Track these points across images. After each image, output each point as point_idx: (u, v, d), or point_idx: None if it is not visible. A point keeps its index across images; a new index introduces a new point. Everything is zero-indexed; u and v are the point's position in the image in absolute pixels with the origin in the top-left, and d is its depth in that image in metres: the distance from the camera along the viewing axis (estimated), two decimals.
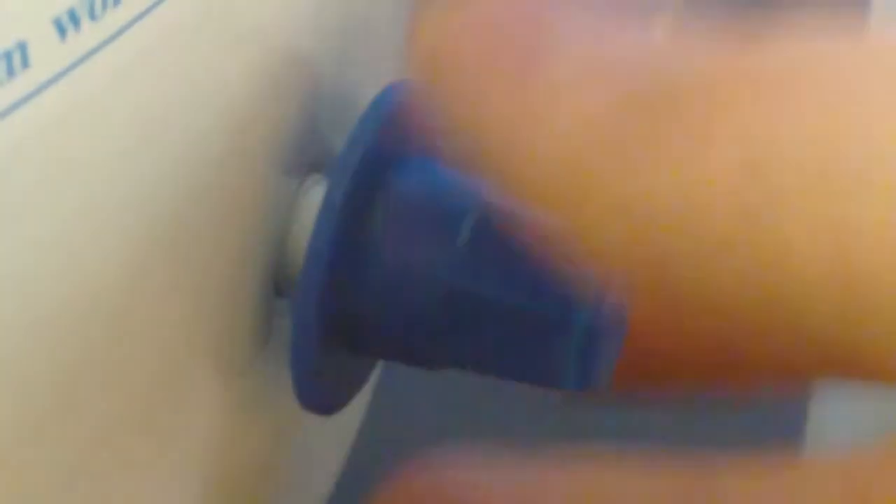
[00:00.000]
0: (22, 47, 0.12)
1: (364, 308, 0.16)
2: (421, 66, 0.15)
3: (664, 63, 0.13)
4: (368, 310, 0.16)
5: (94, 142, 0.13)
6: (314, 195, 0.17)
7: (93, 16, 0.12)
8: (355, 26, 0.18)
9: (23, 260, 0.12)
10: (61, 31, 0.12)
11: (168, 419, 0.15)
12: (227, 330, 0.16)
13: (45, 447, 0.13)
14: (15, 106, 0.12)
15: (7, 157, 0.12)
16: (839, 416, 0.28)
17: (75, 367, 0.14)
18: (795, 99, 0.12)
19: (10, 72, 0.12)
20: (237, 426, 0.17)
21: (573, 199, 0.13)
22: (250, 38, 0.15)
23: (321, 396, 0.16)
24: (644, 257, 0.13)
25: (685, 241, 0.12)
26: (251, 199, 0.16)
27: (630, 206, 0.13)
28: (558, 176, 0.13)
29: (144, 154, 0.14)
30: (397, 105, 0.16)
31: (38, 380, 0.13)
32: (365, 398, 0.23)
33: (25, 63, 0.12)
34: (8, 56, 0.12)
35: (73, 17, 0.12)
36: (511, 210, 0.16)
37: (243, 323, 0.16)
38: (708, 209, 0.12)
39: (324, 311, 0.16)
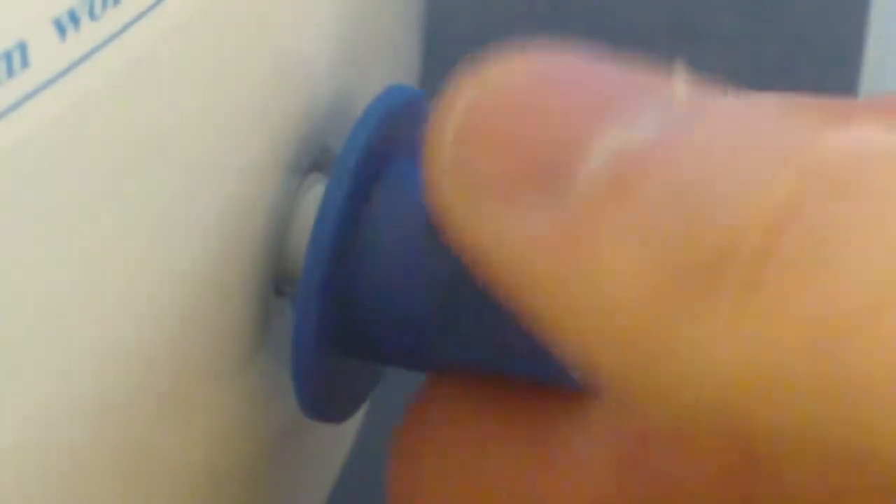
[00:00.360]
0: (22, 47, 0.12)
1: (365, 308, 0.16)
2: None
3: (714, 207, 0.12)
4: (370, 310, 0.16)
5: (94, 142, 0.13)
6: (314, 195, 0.17)
7: (93, 16, 0.12)
8: (356, 26, 0.18)
9: (22, 259, 0.12)
10: (61, 30, 0.12)
11: (166, 418, 0.15)
12: (226, 329, 0.16)
13: (40, 443, 0.13)
14: (15, 106, 0.12)
15: (7, 157, 0.12)
16: None
17: (70, 364, 0.14)
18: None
19: (10, 72, 0.12)
20: (236, 426, 0.17)
21: (636, 364, 0.13)
22: (250, 37, 0.15)
23: (324, 403, 0.16)
24: (717, 437, 0.12)
25: (761, 423, 0.12)
26: (251, 198, 0.16)
27: (698, 377, 0.12)
28: (619, 341, 0.13)
29: (144, 154, 0.14)
30: (397, 106, 0.16)
31: (34, 377, 0.13)
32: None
33: (25, 63, 0.12)
34: (8, 56, 0.12)
35: (73, 17, 0.12)
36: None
37: (243, 322, 0.16)
38: (778, 388, 0.12)
39: (325, 314, 0.16)
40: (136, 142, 0.13)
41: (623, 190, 0.13)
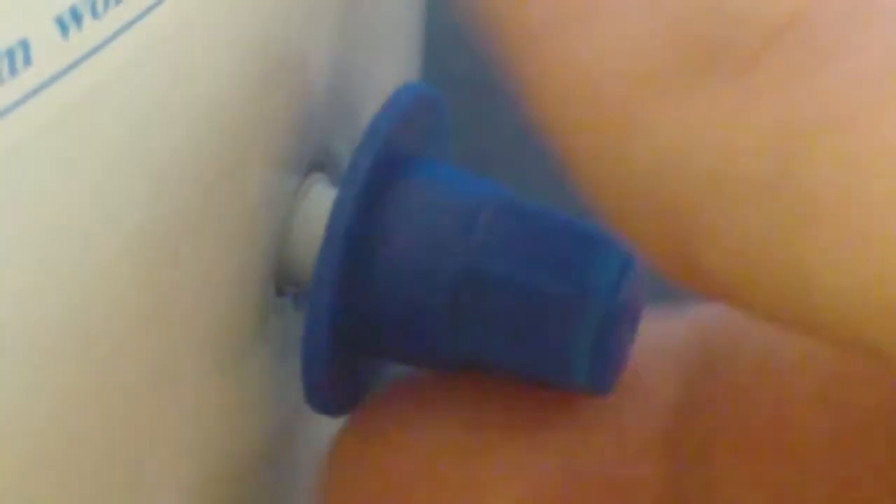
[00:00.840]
0: (24, 45, 0.12)
1: (376, 307, 0.16)
2: None
3: None
4: (380, 308, 0.16)
5: (95, 140, 0.13)
6: (314, 195, 0.17)
7: (95, 14, 0.12)
8: (357, 25, 0.18)
9: (22, 257, 0.12)
10: (63, 28, 0.12)
11: (165, 418, 0.15)
12: (227, 329, 0.16)
13: (37, 446, 0.13)
14: (17, 104, 0.12)
15: (8, 156, 0.12)
16: None
17: (70, 363, 0.13)
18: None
19: (13, 70, 0.12)
20: (235, 425, 0.17)
21: (607, 130, 0.12)
22: (252, 37, 0.15)
23: (331, 398, 0.16)
24: (668, 204, 0.12)
25: (712, 192, 0.12)
26: (251, 198, 0.16)
27: (664, 149, 0.12)
28: (595, 104, 0.13)
29: (145, 152, 0.14)
30: (410, 105, 0.16)
31: (32, 379, 0.13)
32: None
33: (28, 61, 0.12)
34: (10, 54, 0.12)
35: (76, 15, 0.12)
36: (524, 205, 0.16)
37: (243, 322, 0.16)
38: (737, 165, 0.12)
39: (336, 311, 0.16)
40: (137, 140, 0.13)
41: None
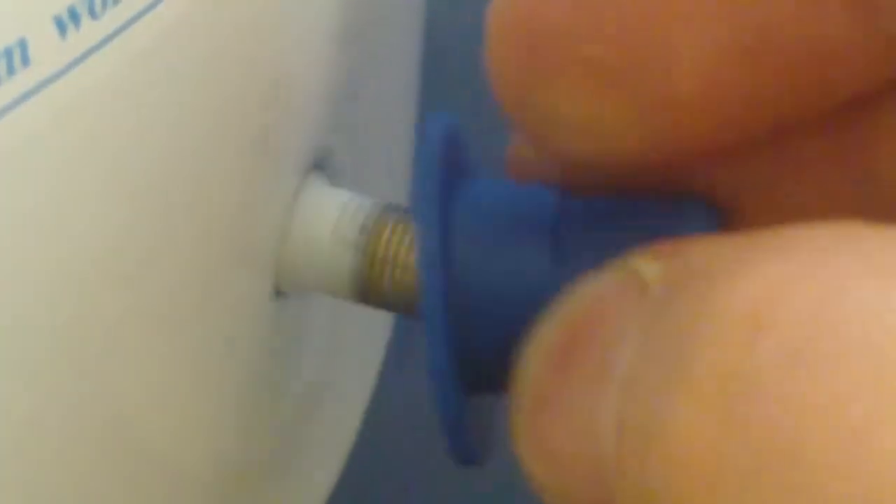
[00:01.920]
0: (22, 45, 0.12)
1: (482, 339, 0.15)
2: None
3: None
4: (488, 342, 0.15)
5: (93, 140, 0.13)
6: (314, 195, 0.17)
7: (93, 14, 0.12)
8: (356, 26, 0.18)
9: (22, 257, 0.12)
10: (62, 28, 0.12)
11: (164, 417, 0.15)
12: (226, 329, 0.16)
13: (43, 457, 0.14)
14: (15, 104, 0.12)
15: (7, 155, 0.12)
16: None
17: (70, 365, 0.14)
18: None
19: (10, 69, 0.12)
20: (235, 426, 0.17)
21: None
22: (250, 36, 0.15)
23: (474, 445, 0.16)
24: None
25: None
26: (251, 198, 0.16)
27: None
28: None
29: (144, 153, 0.14)
30: (449, 136, 0.16)
31: (34, 380, 0.13)
32: (366, 396, 0.23)
33: (26, 61, 0.12)
34: (8, 53, 0.12)
35: (74, 15, 0.12)
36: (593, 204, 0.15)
37: (241, 321, 0.16)
38: None
39: (455, 356, 0.15)
40: (136, 140, 0.13)
41: None
